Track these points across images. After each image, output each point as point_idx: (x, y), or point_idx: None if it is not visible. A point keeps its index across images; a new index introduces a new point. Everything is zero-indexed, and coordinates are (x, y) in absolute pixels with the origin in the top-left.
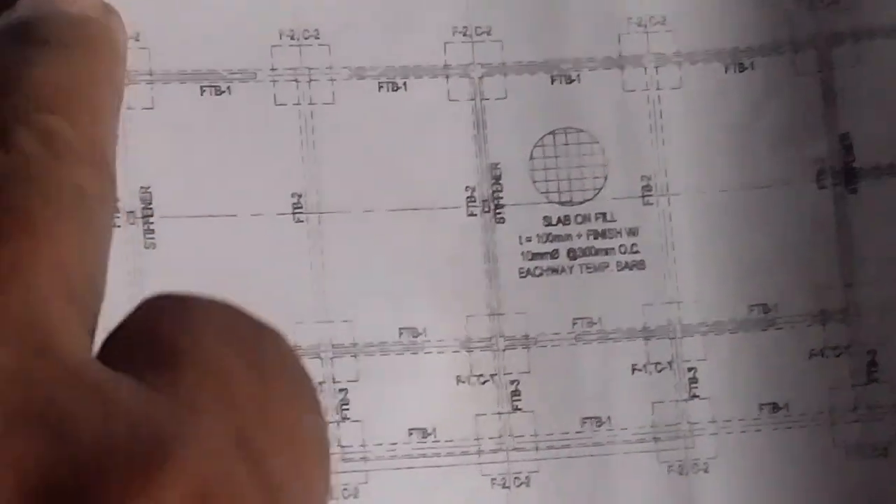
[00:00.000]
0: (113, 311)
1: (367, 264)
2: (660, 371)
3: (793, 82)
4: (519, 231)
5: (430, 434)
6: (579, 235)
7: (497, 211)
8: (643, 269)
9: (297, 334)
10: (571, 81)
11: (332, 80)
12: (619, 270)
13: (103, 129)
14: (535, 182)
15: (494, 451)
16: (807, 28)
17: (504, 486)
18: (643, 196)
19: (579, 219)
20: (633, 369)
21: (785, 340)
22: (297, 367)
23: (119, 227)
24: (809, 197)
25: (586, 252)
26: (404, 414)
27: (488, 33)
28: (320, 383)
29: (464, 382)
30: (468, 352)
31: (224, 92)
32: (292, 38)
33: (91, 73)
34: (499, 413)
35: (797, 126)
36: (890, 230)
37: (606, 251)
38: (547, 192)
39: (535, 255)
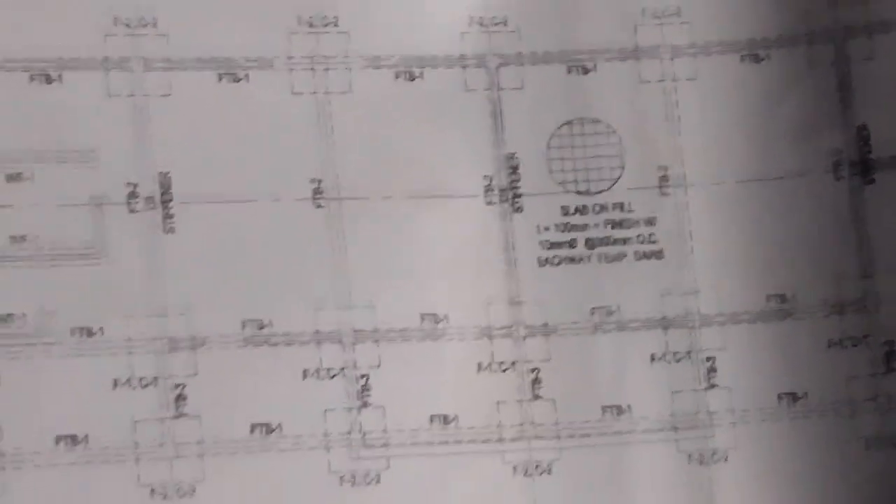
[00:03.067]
0: (137, 294)
1: (388, 250)
2: (678, 360)
3: (808, 74)
4: (536, 220)
5: (451, 421)
6: (596, 225)
7: (515, 200)
8: (661, 258)
9: (317, 320)
10: (588, 72)
11: (348, 68)
12: (636, 260)
13: None
14: (551, 172)
15: (515, 439)
16: (822, 20)
17: (526, 475)
18: (660, 186)
19: (596, 208)
20: (653, 358)
21: (802, 330)
22: None
23: (138, 211)
24: (826, 188)
25: (604, 241)
26: (426, 400)
27: (504, 24)
28: (341, 369)
29: (485, 370)
30: (489, 339)
31: (241, 80)
32: (311, 25)
33: None
34: (520, 401)
35: (813, 117)
36: None
37: (624, 241)
38: (564, 182)
39: (553, 245)
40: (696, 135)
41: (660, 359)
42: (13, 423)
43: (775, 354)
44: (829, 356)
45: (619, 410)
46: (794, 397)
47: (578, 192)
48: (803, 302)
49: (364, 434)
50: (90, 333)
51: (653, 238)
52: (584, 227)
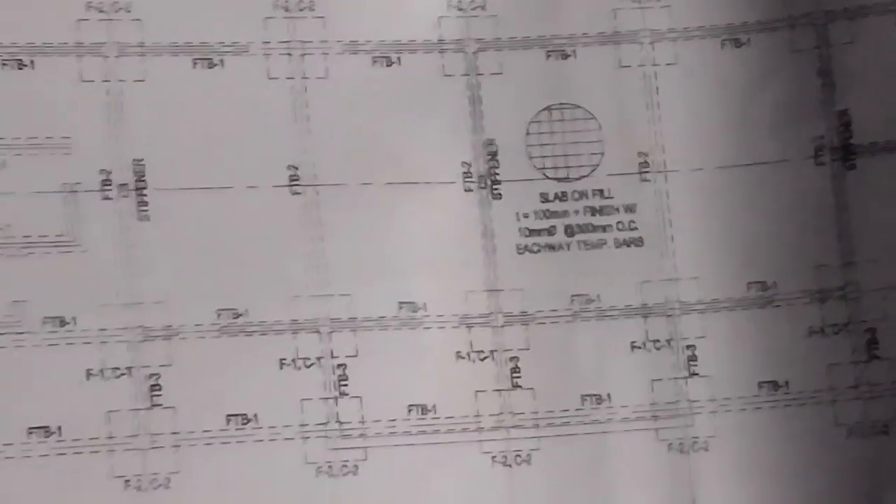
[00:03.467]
0: (111, 283)
1: (365, 238)
2: (658, 349)
3: (789, 59)
4: (516, 207)
5: (429, 411)
6: (576, 212)
7: (494, 187)
8: (641, 246)
9: (294, 308)
10: (567, 57)
11: (325, 53)
12: (616, 247)
13: None
14: (531, 158)
15: (495, 429)
16: (803, 5)
17: (505, 464)
18: (640, 173)
19: (576, 195)
20: (632, 347)
21: (784, 318)
22: None
23: (112, 199)
24: (807, 174)
25: (583, 229)
26: (404, 390)
27: (483, 8)
28: (318, 358)
29: (463, 358)
30: (467, 328)
31: (217, 65)
32: (287, 9)
33: None
34: (499, 390)
35: (795, 103)
36: (888, 206)
37: (604, 228)
38: (543, 169)
39: (532, 232)
40: (676, 121)
41: (640, 347)
42: None
43: (756, 342)
44: (810, 344)
45: (599, 399)
46: (774, 385)
47: (558, 179)
48: (784, 289)
49: (341, 424)
50: (63, 323)
51: (633, 225)
52: (564, 213)
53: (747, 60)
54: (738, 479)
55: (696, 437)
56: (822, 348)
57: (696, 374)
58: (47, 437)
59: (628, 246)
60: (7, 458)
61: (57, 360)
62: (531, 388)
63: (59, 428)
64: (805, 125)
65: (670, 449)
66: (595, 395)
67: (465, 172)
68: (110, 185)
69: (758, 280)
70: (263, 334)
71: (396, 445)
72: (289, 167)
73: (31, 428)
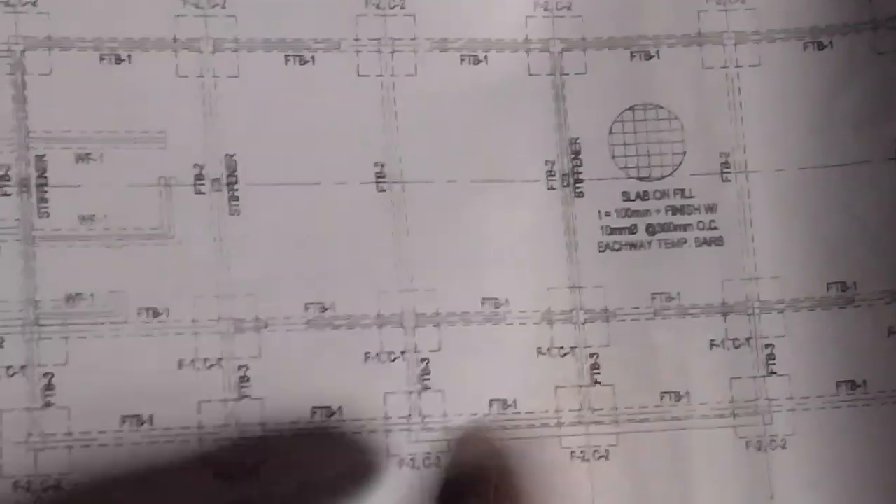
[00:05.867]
0: (203, 275)
1: (450, 234)
2: (738, 347)
3: (872, 61)
4: (598, 206)
5: (510, 405)
6: (658, 211)
7: (576, 185)
8: (721, 245)
9: (379, 303)
10: (651, 58)
11: (414, 51)
12: (697, 246)
13: None
14: (614, 157)
15: (574, 424)
16: (887, 7)
17: (584, 459)
18: (721, 172)
19: (658, 194)
20: (712, 345)
21: (863, 318)
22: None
23: (205, 193)
24: (889, 174)
25: (665, 227)
26: (485, 385)
27: (569, 8)
28: (402, 352)
29: (544, 354)
30: (549, 324)
31: (308, 62)
32: (378, 6)
33: None
34: (579, 386)
35: (876, 104)
36: None
37: (685, 227)
38: (626, 168)
39: (614, 230)
40: (758, 121)
41: (719, 345)
42: (81, 401)
43: (835, 342)
44: (889, 344)
45: (678, 396)
46: (853, 385)
47: (640, 178)
48: (864, 289)
49: (424, 418)
50: (157, 314)
51: (713, 224)
52: (646, 212)
53: (830, 62)
54: (815, 478)
55: (775, 435)
56: None
57: (775, 373)
58: (140, 425)
59: (709, 245)
60: (101, 445)
61: (150, 349)
62: (611, 385)
63: (151, 417)
64: (887, 126)
65: (748, 446)
66: (674, 392)
67: (548, 171)
68: (203, 179)
69: (838, 280)
70: (350, 328)
71: None
72: (376, 164)
73: (124, 416)
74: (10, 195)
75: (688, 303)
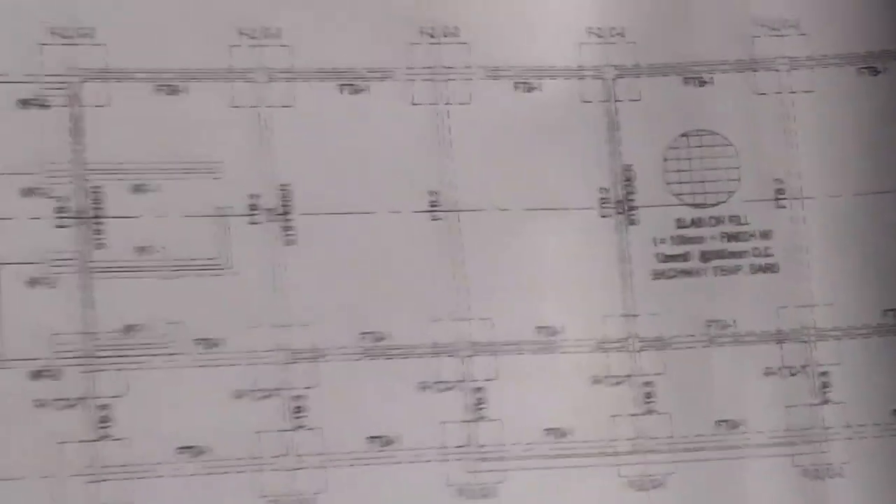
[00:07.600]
0: (259, 305)
1: (504, 263)
2: (793, 375)
3: None
4: (652, 233)
5: (566, 434)
6: (712, 238)
7: (630, 213)
8: (776, 272)
9: (435, 332)
10: (704, 84)
11: (468, 79)
12: (752, 273)
13: None
14: (667, 184)
15: (630, 453)
16: None
17: (640, 489)
18: (776, 199)
19: (712, 221)
20: (767, 372)
21: None
22: None
23: (259, 223)
24: None
25: (719, 254)
26: (540, 413)
27: (622, 35)
28: (458, 381)
29: (599, 383)
30: (604, 352)
31: (362, 91)
32: (432, 35)
33: None
34: (634, 414)
35: None
36: None
37: (739, 254)
38: (680, 195)
39: (668, 258)
40: (812, 147)
41: (774, 373)
42: (138, 432)
43: (891, 370)
44: None
45: (734, 424)
46: None
47: (694, 205)
48: None
49: (480, 447)
50: (213, 344)
51: (768, 251)
52: (700, 239)
53: (884, 87)
54: None
55: (830, 464)
56: None
57: (831, 401)
58: (197, 456)
59: (764, 272)
60: (157, 476)
61: (207, 380)
62: (666, 413)
63: (209, 447)
64: None
65: (805, 474)
66: (729, 420)
67: (602, 198)
68: (257, 209)
69: (894, 307)
70: (405, 357)
71: (534, 469)
72: (430, 192)
73: (180, 447)
74: (67, 227)
75: (743, 330)
